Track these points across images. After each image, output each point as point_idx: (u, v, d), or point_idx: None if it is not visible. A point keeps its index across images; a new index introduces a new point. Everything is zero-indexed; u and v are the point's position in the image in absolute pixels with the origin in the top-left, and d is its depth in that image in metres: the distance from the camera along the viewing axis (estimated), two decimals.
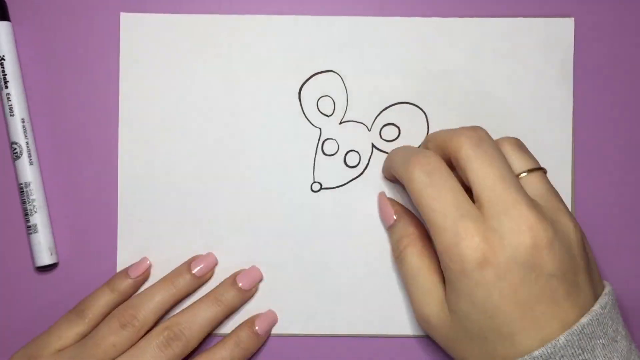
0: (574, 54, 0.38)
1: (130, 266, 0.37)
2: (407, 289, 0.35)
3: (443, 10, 0.38)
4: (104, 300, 0.35)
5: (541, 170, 0.33)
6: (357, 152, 0.38)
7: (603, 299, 0.30)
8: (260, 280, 0.37)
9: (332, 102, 0.38)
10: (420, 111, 0.38)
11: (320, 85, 0.38)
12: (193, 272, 0.36)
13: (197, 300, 0.36)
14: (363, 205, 0.38)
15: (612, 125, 0.38)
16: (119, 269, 0.37)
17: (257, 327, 0.36)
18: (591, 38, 0.38)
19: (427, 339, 0.38)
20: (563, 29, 0.38)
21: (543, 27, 0.38)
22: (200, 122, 0.38)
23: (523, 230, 0.29)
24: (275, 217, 0.38)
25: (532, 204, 0.30)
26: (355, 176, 0.38)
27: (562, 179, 0.38)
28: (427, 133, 0.38)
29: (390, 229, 0.36)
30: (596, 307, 0.29)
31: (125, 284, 0.36)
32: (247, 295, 0.37)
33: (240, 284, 0.36)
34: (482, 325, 0.29)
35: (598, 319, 0.29)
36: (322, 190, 0.38)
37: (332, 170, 0.38)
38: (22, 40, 0.38)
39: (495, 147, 0.31)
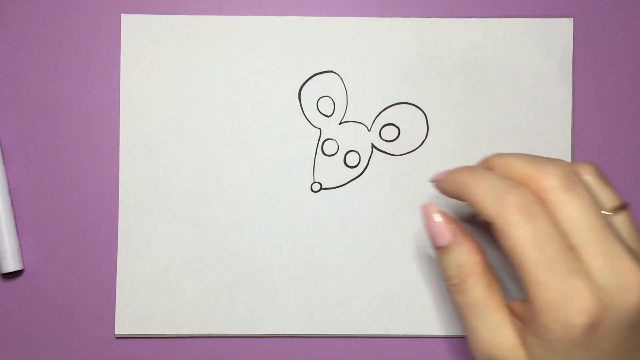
0: (573, 54, 0.38)
1: None
2: (466, 323, 0.30)
3: (443, 10, 0.38)
4: None
5: (626, 208, 0.30)
6: (357, 152, 0.38)
7: None
8: None
9: (332, 103, 0.38)
10: (420, 111, 0.38)
11: (320, 86, 0.38)
12: None
13: None
14: (363, 205, 0.38)
15: (612, 125, 0.38)
16: (119, 269, 0.38)
17: None
18: (590, 38, 0.38)
19: (427, 339, 0.38)
20: (562, 29, 0.38)
21: (542, 27, 0.38)
22: (201, 122, 0.38)
23: (632, 287, 0.26)
24: (275, 217, 0.38)
25: (634, 255, 0.27)
26: (355, 176, 0.38)
27: None
28: (427, 133, 0.38)
29: (444, 250, 0.31)
30: None
31: None
32: None
33: None
34: None
35: None
36: (322, 191, 0.38)
37: (332, 171, 0.38)
38: (23, 40, 0.38)
39: (586, 189, 0.28)
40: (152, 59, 0.38)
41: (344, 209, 0.38)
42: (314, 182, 0.38)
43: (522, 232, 0.26)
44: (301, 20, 0.38)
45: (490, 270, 0.30)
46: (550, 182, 0.27)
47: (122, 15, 0.38)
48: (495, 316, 0.29)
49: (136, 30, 0.38)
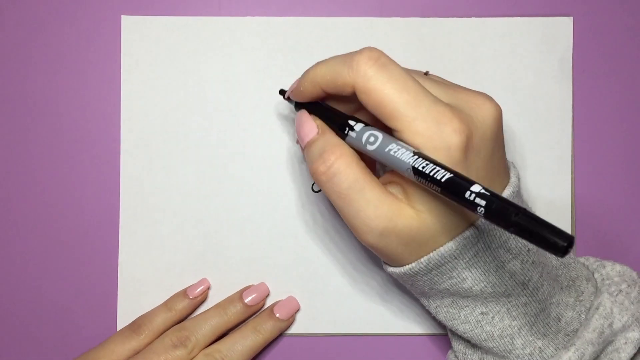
0: (573, 52, 0.38)
1: (189, 287, 0.37)
2: (348, 209, 0.29)
3: (443, 10, 0.38)
4: (160, 318, 0.36)
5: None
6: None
7: (515, 170, 0.31)
8: (298, 310, 0.38)
9: None
10: None
11: None
12: (245, 301, 0.37)
13: (236, 330, 0.37)
14: None
15: (612, 124, 0.38)
16: (120, 269, 0.38)
17: (277, 314, 0.37)
18: (590, 37, 0.38)
19: (428, 337, 0.38)
20: (562, 28, 0.38)
21: (542, 26, 0.38)
22: (201, 123, 0.38)
23: (487, 108, 0.29)
24: (276, 217, 0.38)
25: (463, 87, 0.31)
26: None
27: (562, 178, 0.38)
28: None
29: (310, 145, 0.31)
30: (514, 178, 0.31)
31: (182, 304, 0.37)
32: (284, 325, 0.37)
33: (278, 315, 0.37)
34: (457, 211, 0.29)
35: (517, 191, 0.30)
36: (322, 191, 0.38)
37: None
38: (24, 42, 0.38)
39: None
40: (152, 59, 0.38)
41: None
42: (315, 182, 0.38)
43: (383, 80, 0.28)
44: (301, 21, 0.38)
45: (354, 153, 0.30)
46: (361, 66, 0.29)
47: (123, 16, 0.38)
48: (377, 190, 0.29)
49: (136, 32, 0.38)
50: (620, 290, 0.31)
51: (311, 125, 0.31)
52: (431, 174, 0.26)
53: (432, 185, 0.26)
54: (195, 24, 0.38)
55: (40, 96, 0.38)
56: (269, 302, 0.38)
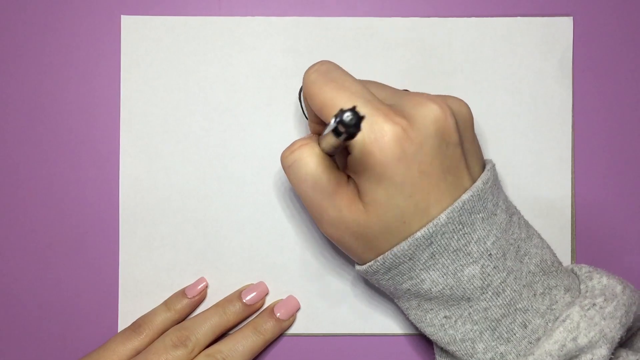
0: (573, 52, 0.38)
1: (188, 286, 0.37)
2: (303, 196, 0.32)
3: (443, 10, 0.38)
4: (160, 318, 0.36)
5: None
6: None
7: (485, 175, 0.31)
8: (298, 309, 0.38)
9: None
10: None
11: None
12: (244, 300, 0.37)
13: (237, 330, 0.37)
14: None
15: (612, 124, 0.38)
16: (120, 269, 0.38)
17: (278, 314, 0.37)
18: (590, 37, 0.38)
19: (427, 338, 0.38)
20: (562, 28, 0.38)
21: (542, 26, 0.38)
22: (201, 123, 0.38)
23: (429, 106, 0.29)
24: (276, 217, 0.38)
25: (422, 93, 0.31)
26: None
27: (562, 178, 0.38)
28: None
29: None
30: (478, 183, 0.30)
31: (182, 304, 0.37)
32: (285, 324, 0.37)
33: (278, 314, 0.37)
34: (402, 207, 0.29)
35: (479, 194, 0.30)
36: None
37: None
38: (24, 42, 0.38)
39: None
40: (152, 59, 0.38)
41: None
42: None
43: (322, 83, 0.30)
44: (301, 21, 0.38)
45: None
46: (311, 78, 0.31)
47: (122, 16, 0.38)
48: (333, 181, 0.31)
49: (136, 32, 0.38)
50: (594, 304, 0.30)
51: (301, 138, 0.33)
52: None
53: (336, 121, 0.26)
54: (195, 24, 0.38)
55: (39, 96, 0.38)
56: (268, 302, 0.38)
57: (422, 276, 0.31)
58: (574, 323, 0.30)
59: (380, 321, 0.38)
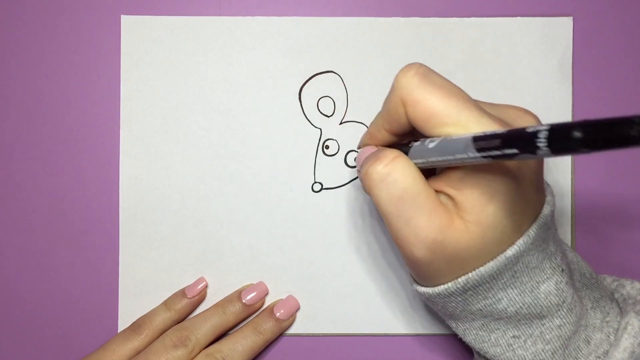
0: (573, 52, 0.38)
1: (187, 286, 0.37)
2: (396, 214, 0.28)
3: (443, 10, 0.38)
4: (160, 317, 0.36)
5: None
6: (357, 152, 0.38)
7: (550, 188, 0.30)
8: (298, 309, 0.38)
9: (333, 103, 0.38)
10: None
11: (320, 86, 0.38)
12: (244, 300, 0.37)
13: (237, 330, 0.37)
14: (364, 205, 0.38)
15: None
16: (120, 269, 0.38)
17: (277, 314, 0.37)
18: (590, 37, 0.38)
19: (427, 338, 0.38)
20: (562, 28, 0.38)
21: (542, 26, 0.38)
22: (201, 123, 0.38)
23: (529, 118, 0.28)
24: (276, 217, 0.38)
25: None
26: (356, 176, 0.38)
27: (562, 178, 0.38)
28: None
29: (367, 154, 0.30)
30: (550, 197, 0.29)
31: (182, 304, 0.37)
32: (285, 324, 0.37)
33: (278, 314, 0.37)
34: (505, 226, 0.27)
35: (554, 209, 0.29)
36: (323, 191, 0.38)
37: (332, 171, 0.38)
38: (24, 42, 0.38)
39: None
40: (152, 60, 0.38)
41: (345, 209, 0.38)
42: (315, 182, 0.38)
43: (428, 89, 0.28)
44: (301, 21, 0.38)
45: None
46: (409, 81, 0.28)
47: (122, 16, 0.38)
48: (431, 197, 0.28)
49: (136, 32, 0.38)
50: None
51: (367, 148, 0.32)
52: (490, 134, 0.24)
53: (492, 144, 0.24)
54: (195, 24, 0.38)
55: (39, 96, 0.38)
56: (268, 302, 0.38)
57: (499, 295, 0.29)
58: (635, 328, 0.29)
59: (380, 321, 0.38)
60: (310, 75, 0.38)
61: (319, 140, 0.38)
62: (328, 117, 0.38)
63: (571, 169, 0.38)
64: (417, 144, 0.29)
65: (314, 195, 0.38)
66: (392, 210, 0.28)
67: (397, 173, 0.28)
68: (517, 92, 0.38)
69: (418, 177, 0.28)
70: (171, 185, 0.38)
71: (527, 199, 0.28)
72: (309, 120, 0.38)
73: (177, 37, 0.38)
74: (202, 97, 0.38)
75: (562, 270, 0.29)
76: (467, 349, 0.38)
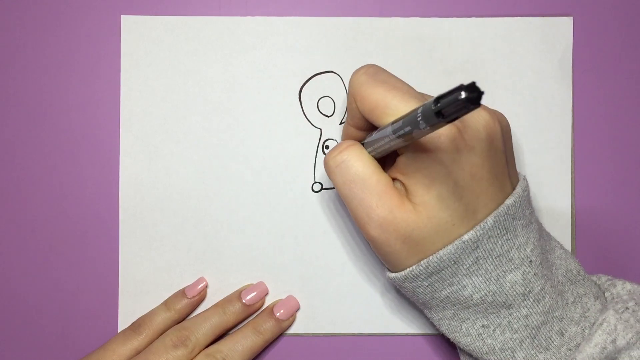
0: (573, 52, 0.38)
1: (187, 286, 0.38)
2: (351, 196, 0.31)
3: (443, 10, 0.38)
4: (160, 317, 0.36)
5: None
6: None
7: (523, 183, 0.32)
8: (298, 309, 0.38)
9: (333, 103, 0.38)
10: None
11: (320, 86, 0.38)
12: (244, 300, 0.37)
13: (237, 330, 0.37)
14: None
15: (612, 124, 0.38)
16: (120, 269, 0.38)
17: (277, 314, 0.37)
18: (590, 37, 0.38)
19: (427, 338, 0.38)
20: (562, 28, 0.38)
21: (542, 26, 0.38)
22: (201, 123, 0.38)
23: (479, 112, 0.30)
24: (276, 217, 0.38)
25: None
26: None
27: (562, 178, 0.38)
28: None
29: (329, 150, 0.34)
30: (518, 189, 0.31)
31: (182, 304, 0.37)
32: (285, 324, 0.37)
33: (278, 314, 0.37)
34: (452, 209, 0.29)
35: (520, 201, 0.30)
36: (323, 191, 0.38)
37: None
38: (24, 42, 0.38)
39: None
40: (152, 59, 0.38)
41: (345, 209, 0.38)
42: (315, 182, 0.38)
43: (373, 84, 0.31)
44: (301, 21, 0.38)
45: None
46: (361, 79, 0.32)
47: (122, 16, 0.38)
48: (382, 181, 0.31)
49: (136, 31, 0.38)
50: (627, 308, 0.31)
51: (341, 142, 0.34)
52: (399, 117, 0.28)
53: (398, 125, 0.27)
54: (195, 24, 0.38)
55: (39, 96, 0.38)
56: (268, 302, 0.38)
57: (464, 282, 0.30)
58: (611, 326, 0.30)
59: (380, 321, 0.38)
60: (310, 75, 0.38)
61: (319, 140, 0.38)
62: (328, 117, 0.38)
63: (571, 169, 0.38)
64: (372, 135, 0.31)
65: (314, 195, 0.38)
66: (347, 192, 0.31)
67: (349, 159, 0.31)
68: (517, 92, 0.38)
69: (368, 162, 0.31)
70: (171, 185, 0.38)
71: (472, 186, 0.29)
72: (309, 120, 0.38)
73: (177, 37, 0.38)
74: (202, 97, 0.38)
75: (531, 261, 0.30)
76: None
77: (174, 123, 0.38)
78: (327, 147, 0.38)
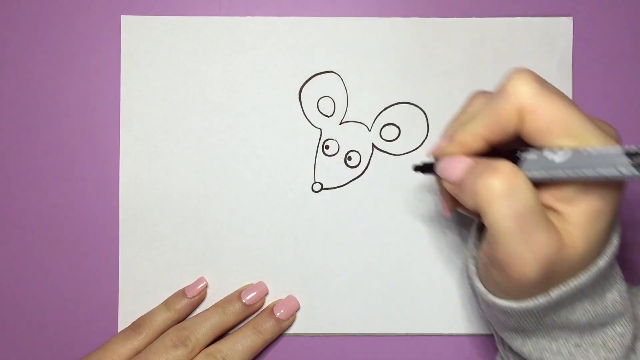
0: (573, 52, 0.38)
1: (187, 286, 0.38)
2: (515, 233, 0.26)
3: (443, 10, 0.38)
4: (160, 317, 0.36)
5: None
6: (357, 152, 0.38)
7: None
8: (298, 309, 0.38)
9: (333, 103, 0.38)
10: (420, 111, 0.38)
11: (320, 86, 0.38)
12: (244, 300, 0.37)
13: (237, 330, 0.37)
14: (364, 205, 0.38)
15: (612, 124, 0.38)
16: (120, 269, 0.38)
17: (277, 314, 0.37)
18: (590, 37, 0.38)
19: (428, 337, 0.38)
20: (562, 28, 0.38)
21: (542, 26, 0.38)
22: (201, 123, 0.38)
23: (612, 128, 0.28)
24: (276, 217, 0.38)
25: None
26: (355, 176, 0.38)
27: None
28: (427, 133, 0.38)
29: (469, 169, 0.28)
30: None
31: (182, 304, 0.37)
32: (285, 324, 0.37)
33: (278, 314, 0.37)
34: (605, 238, 0.27)
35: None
36: (323, 191, 0.38)
37: (332, 171, 0.38)
38: (24, 42, 0.38)
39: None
40: (152, 59, 0.38)
41: (345, 209, 0.38)
42: (315, 182, 0.38)
43: (550, 96, 0.26)
44: (301, 21, 0.38)
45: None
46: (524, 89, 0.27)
47: (122, 16, 0.38)
48: (547, 216, 0.26)
49: (136, 31, 0.38)
50: None
51: (462, 158, 0.29)
52: None
53: None
54: (195, 24, 0.38)
55: (40, 96, 0.38)
56: (268, 302, 0.38)
57: (575, 306, 0.28)
58: None
59: (380, 321, 0.38)
60: (310, 75, 0.38)
61: (319, 140, 0.38)
62: (328, 117, 0.38)
63: None
64: (532, 156, 0.27)
65: (314, 195, 0.38)
66: (512, 226, 0.26)
67: (521, 189, 0.26)
68: None
69: (535, 192, 0.26)
70: (171, 185, 0.38)
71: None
72: (309, 120, 0.38)
73: (177, 37, 0.38)
74: (202, 97, 0.38)
75: (622, 277, 0.29)
76: (468, 349, 0.38)
77: (174, 123, 0.38)
78: (327, 147, 0.38)
